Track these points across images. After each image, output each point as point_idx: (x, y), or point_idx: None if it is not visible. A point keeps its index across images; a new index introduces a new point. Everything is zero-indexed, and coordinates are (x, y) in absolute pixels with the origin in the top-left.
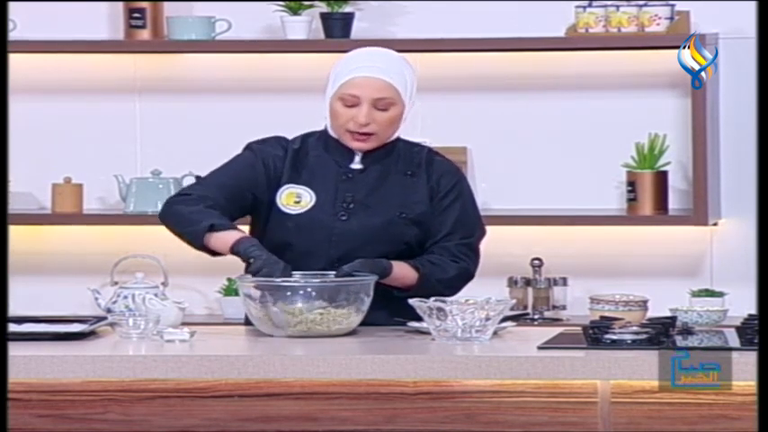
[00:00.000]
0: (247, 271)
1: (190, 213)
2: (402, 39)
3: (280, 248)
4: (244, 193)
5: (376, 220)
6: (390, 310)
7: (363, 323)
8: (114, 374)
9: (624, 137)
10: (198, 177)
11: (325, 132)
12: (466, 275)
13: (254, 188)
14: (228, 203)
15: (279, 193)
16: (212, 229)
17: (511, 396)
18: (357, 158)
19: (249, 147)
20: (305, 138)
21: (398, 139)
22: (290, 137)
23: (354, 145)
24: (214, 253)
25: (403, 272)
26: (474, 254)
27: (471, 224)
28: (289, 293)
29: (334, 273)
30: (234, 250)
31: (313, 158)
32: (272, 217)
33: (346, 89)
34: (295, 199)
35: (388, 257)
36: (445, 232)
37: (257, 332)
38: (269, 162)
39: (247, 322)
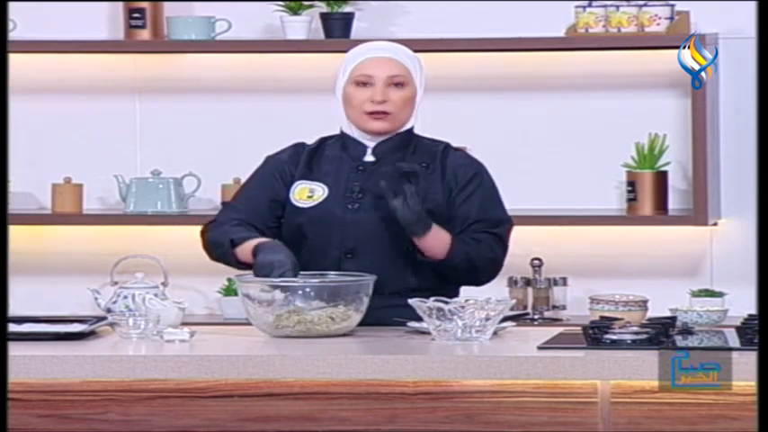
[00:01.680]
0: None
1: (216, 237)
2: (402, 39)
3: (295, 243)
4: (270, 204)
5: (387, 209)
6: (390, 311)
7: (364, 323)
8: (114, 374)
9: (624, 137)
10: (222, 203)
11: (342, 135)
12: (496, 263)
13: (278, 197)
14: (260, 219)
15: (292, 189)
16: (233, 245)
17: (511, 396)
18: (369, 151)
19: (267, 159)
20: (323, 139)
21: (415, 134)
22: (293, 137)
23: (373, 126)
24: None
25: (440, 236)
26: (504, 245)
27: (497, 214)
28: (288, 293)
29: (332, 273)
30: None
31: (328, 156)
32: (286, 213)
33: (360, 71)
34: (308, 194)
35: (402, 248)
36: (472, 221)
37: (257, 332)
38: (284, 168)
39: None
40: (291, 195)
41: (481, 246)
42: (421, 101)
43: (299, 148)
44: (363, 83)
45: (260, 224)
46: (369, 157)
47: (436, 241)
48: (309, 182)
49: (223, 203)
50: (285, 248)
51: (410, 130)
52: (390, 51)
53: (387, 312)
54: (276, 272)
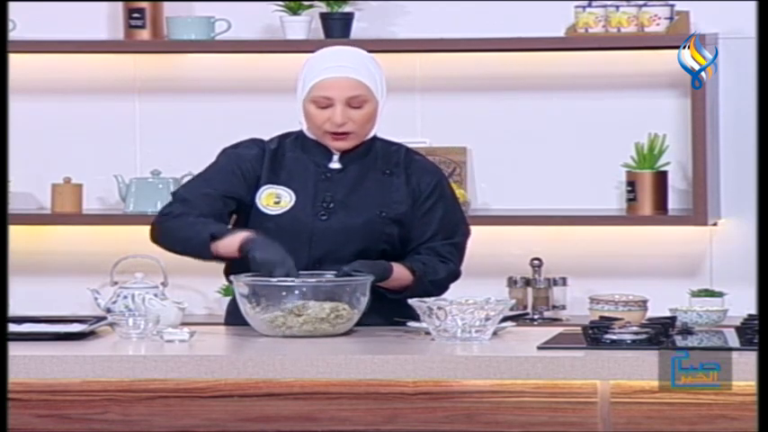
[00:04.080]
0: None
1: (186, 227)
2: (402, 39)
3: None
4: (226, 200)
5: (356, 219)
6: (383, 313)
7: (359, 325)
8: (114, 374)
9: (624, 137)
10: (173, 194)
11: (301, 133)
12: (454, 276)
13: (234, 194)
14: (213, 213)
15: (258, 194)
16: (213, 238)
17: (511, 396)
18: (335, 158)
19: (224, 152)
20: (282, 138)
21: (376, 138)
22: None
23: (335, 145)
24: (224, 260)
25: (399, 272)
26: (460, 253)
27: (455, 223)
28: (284, 293)
29: (329, 273)
30: (241, 253)
31: (291, 159)
32: (251, 217)
33: (318, 92)
34: (275, 199)
35: (369, 256)
36: (431, 233)
37: (256, 332)
38: (245, 165)
39: (227, 322)
40: (258, 201)
41: (439, 268)
42: (384, 105)
43: (258, 143)
44: (323, 105)
45: (217, 219)
46: (335, 164)
47: (398, 275)
48: (275, 186)
49: (173, 194)
50: (278, 245)
51: (373, 137)
52: (348, 69)
53: (371, 318)
54: (279, 270)
